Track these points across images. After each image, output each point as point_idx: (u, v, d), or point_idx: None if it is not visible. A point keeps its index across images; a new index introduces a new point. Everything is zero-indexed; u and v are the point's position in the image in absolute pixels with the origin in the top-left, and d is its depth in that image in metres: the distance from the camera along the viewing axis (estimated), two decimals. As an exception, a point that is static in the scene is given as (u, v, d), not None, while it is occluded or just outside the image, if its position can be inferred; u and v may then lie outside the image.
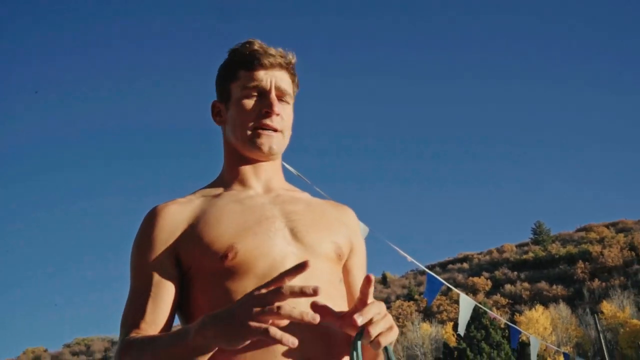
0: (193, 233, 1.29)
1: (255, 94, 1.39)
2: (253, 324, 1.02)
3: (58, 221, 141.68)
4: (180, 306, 1.31)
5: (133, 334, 1.22)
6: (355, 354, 1.17)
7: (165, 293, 1.27)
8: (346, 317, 1.18)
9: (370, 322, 1.16)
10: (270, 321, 1.03)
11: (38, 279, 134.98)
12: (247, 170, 1.43)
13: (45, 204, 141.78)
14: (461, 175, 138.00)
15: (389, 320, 1.18)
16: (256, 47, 1.39)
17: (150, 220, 1.33)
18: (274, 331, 1.01)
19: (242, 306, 1.05)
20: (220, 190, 1.41)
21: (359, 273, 1.46)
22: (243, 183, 1.42)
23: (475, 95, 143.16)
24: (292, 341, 1.01)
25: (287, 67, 1.42)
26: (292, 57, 1.43)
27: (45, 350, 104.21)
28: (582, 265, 76.40)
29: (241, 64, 1.40)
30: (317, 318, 1.03)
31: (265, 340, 1.02)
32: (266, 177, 1.44)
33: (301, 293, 1.03)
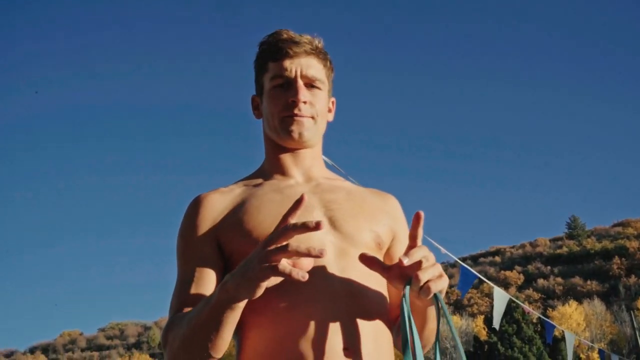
0: (233, 221, 1.31)
1: (283, 83, 1.38)
2: (263, 264, 1.05)
3: (95, 207, 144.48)
4: None
5: (177, 313, 1.26)
6: (404, 300, 1.16)
7: (206, 280, 1.29)
8: (394, 268, 1.18)
9: (419, 267, 1.15)
10: (291, 262, 1.05)
11: (75, 264, 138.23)
12: (286, 159, 1.43)
13: (80, 185, 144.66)
14: (495, 167, 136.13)
15: (439, 268, 1.17)
16: (282, 36, 1.39)
17: (193, 209, 1.36)
18: (283, 265, 1.03)
19: (254, 252, 1.09)
20: (260, 180, 1.42)
21: None
22: (283, 172, 1.42)
23: (512, 92, 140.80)
24: (302, 274, 1.03)
25: (315, 52, 1.41)
26: (318, 42, 1.42)
27: (81, 334, 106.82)
28: (619, 261, 74.65)
29: (269, 55, 1.40)
30: (323, 252, 1.03)
31: (280, 281, 1.06)
32: (306, 165, 1.44)
33: (304, 227, 1.04)
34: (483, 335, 45.47)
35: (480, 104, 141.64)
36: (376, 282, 1.32)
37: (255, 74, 1.47)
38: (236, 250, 1.30)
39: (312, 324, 1.20)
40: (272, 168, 1.44)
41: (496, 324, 5.39)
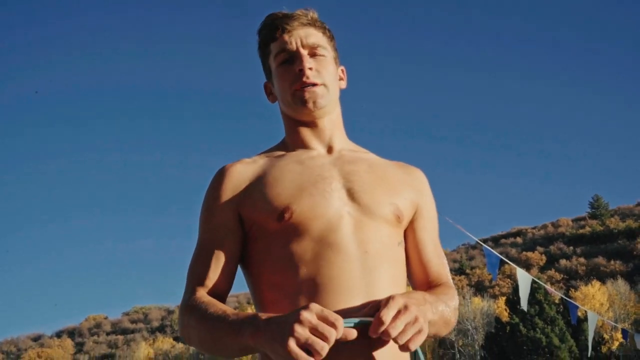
0: (253, 192, 1.33)
1: (288, 58, 1.40)
2: (295, 354, 1.04)
3: (118, 190, 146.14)
4: (244, 262, 1.36)
5: (198, 293, 1.29)
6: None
7: (227, 250, 1.33)
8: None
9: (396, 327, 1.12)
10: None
11: (100, 250, 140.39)
12: (306, 133, 1.43)
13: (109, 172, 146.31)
14: (516, 148, 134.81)
15: (418, 325, 1.13)
16: (276, 16, 1.42)
17: (217, 179, 1.38)
18: None
19: (290, 326, 1.06)
20: (282, 152, 1.43)
21: (425, 236, 1.42)
22: (305, 145, 1.42)
23: (534, 79, 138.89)
24: None
25: (311, 23, 1.42)
26: (312, 13, 1.43)
27: (106, 318, 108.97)
28: (643, 241, 73.79)
29: (268, 37, 1.43)
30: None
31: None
32: (327, 136, 1.43)
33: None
34: (505, 316, 45.40)
35: (500, 91, 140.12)
36: (393, 257, 1.32)
37: (261, 61, 1.49)
38: (256, 223, 1.32)
39: (331, 306, 1.20)
40: (293, 141, 1.44)
41: (524, 305, 5.35)
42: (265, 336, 1.09)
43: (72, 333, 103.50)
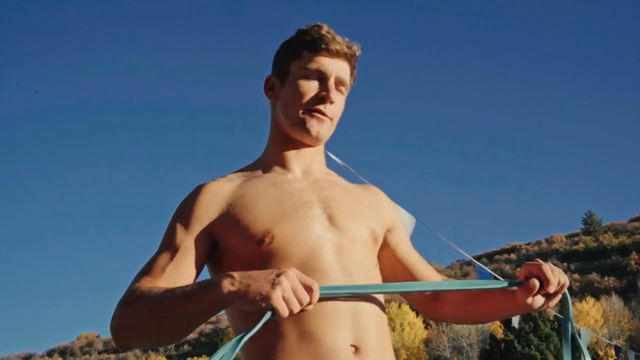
0: (230, 214, 1.31)
1: (315, 77, 1.38)
2: (278, 301, 1.05)
3: (108, 206, 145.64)
4: None
5: (144, 282, 1.24)
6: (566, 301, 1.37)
7: (189, 262, 1.28)
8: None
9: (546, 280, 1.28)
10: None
11: (91, 268, 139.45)
12: (289, 151, 1.42)
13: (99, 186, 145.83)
14: (508, 163, 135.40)
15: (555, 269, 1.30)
16: (324, 31, 1.39)
17: (192, 195, 1.36)
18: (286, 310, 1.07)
19: (277, 279, 1.07)
20: (259, 171, 1.42)
21: (407, 246, 1.49)
22: (283, 165, 1.42)
23: (526, 90, 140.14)
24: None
25: (350, 58, 1.42)
26: (357, 49, 1.43)
27: (98, 336, 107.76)
28: (636, 257, 73.91)
29: (306, 44, 1.39)
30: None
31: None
32: (307, 161, 1.44)
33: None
34: (499, 333, 45.19)
35: (491, 102, 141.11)
36: (375, 278, 1.35)
37: (282, 56, 1.45)
38: (232, 248, 1.30)
39: (320, 324, 1.21)
40: (272, 158, 1.44)
41: (515, 323, 5.35)
42: (246, 283, 1.07)
43: (63, 352, 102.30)
